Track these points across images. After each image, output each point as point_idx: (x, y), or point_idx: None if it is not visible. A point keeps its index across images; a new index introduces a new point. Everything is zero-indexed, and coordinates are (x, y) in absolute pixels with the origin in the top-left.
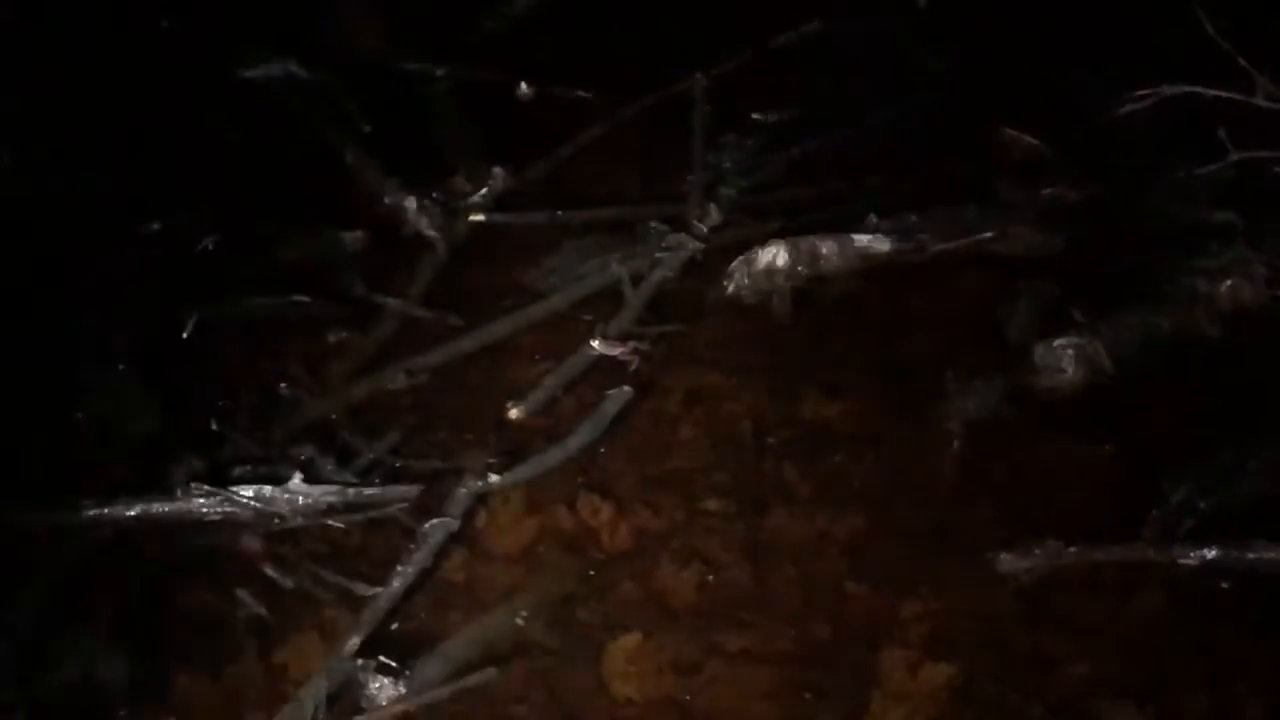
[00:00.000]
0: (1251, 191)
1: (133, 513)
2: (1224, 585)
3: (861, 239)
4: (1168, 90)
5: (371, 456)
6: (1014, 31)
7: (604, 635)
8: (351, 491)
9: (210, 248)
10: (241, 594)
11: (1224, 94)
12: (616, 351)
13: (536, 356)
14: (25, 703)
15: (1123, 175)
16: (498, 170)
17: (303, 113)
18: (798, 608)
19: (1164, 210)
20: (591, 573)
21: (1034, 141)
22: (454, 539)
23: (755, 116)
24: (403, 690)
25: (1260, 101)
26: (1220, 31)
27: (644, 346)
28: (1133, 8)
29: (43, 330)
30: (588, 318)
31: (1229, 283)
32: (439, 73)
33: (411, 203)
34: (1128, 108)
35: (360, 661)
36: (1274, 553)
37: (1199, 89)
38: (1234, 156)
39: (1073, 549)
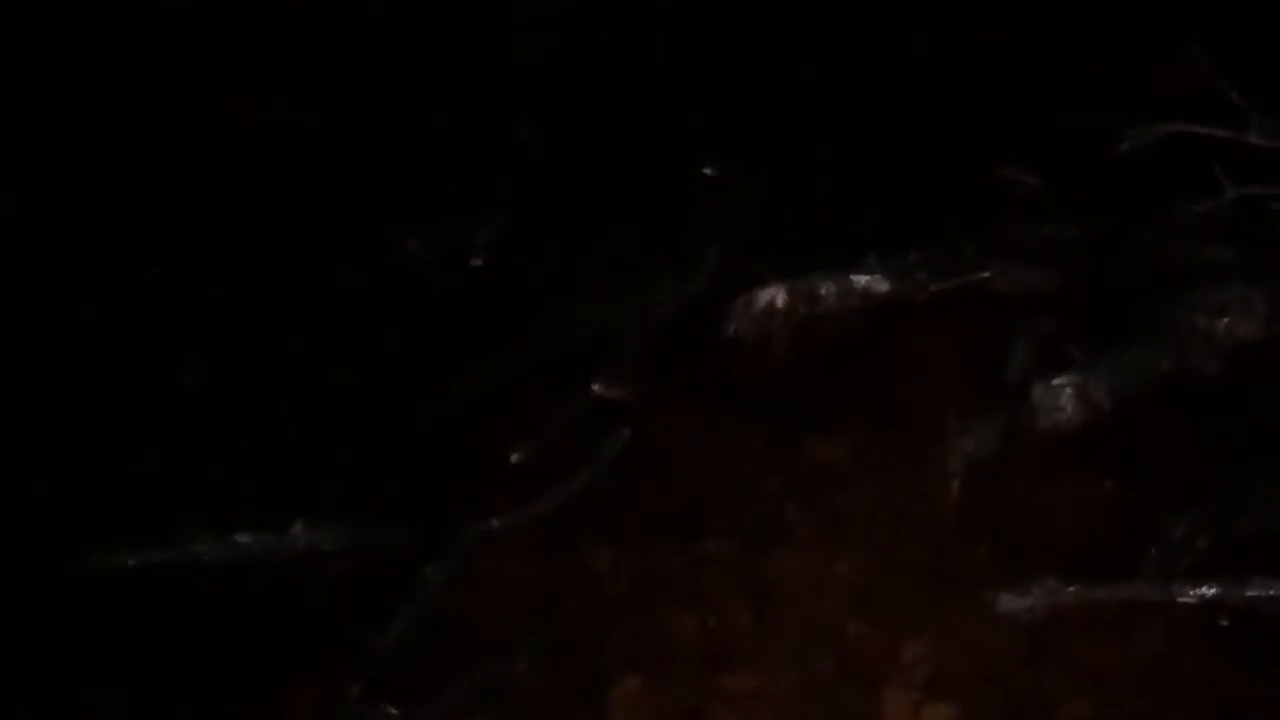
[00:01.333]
0: (1249, 228)
1: (133, 562)
2: (1224, 623)
3: (860, 279)
4: (1164, 128)
5: (374, 501)
6: (1012, 70)
7: (606, 678)
8: (354, 536)
9: (212, 292)
10: (243, 640)
11: (1220, 132)
12: (617, 393)
13: (538, 398)
14: None
15: (1120, 213)
16: (498, 212)
17: (306, 155)
18: (799, 648)
19: (1162, 248)
20: (592, 615)
21: (1032, 180)
22: (455, 582)
23: (706, 172)
24: None
25: (1256, 139)
26: (1216, 70)
27: (644, 388)
28: (1129, 46)
29: (40, 376)
30: (588, 360)
31: (1227, 319)
32: (442, 114)
33: (413, 244)
34: (1125, 146)
35: (363, 708)
36: (1274, 590)
37: (1195, 127)
38: (1231, 194)
39: (1072, 588)
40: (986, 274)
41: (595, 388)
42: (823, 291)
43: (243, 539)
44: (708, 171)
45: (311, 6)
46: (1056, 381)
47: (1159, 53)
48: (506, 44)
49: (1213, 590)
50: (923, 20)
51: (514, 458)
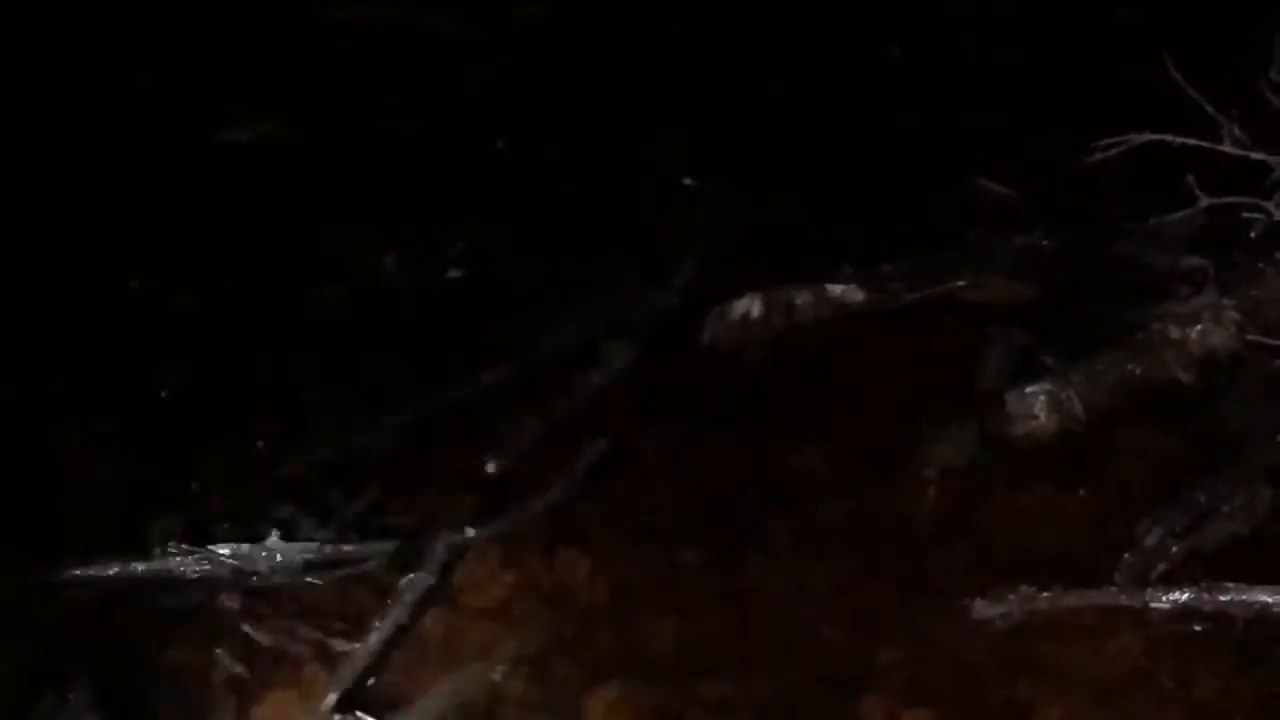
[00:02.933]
0: (1221, 237)
1: (111, 572)
2: (1197, 628)
3: (836, 289)
4: (1137, 139)
5: (349, 513)
6: (985, 82)
7: (583, 688)
8: (329, 548)
9: (188, 307)
10: (219, 652)
11: (1192, 142)
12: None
13: (513, 411)
14: None
15: (1094, 223)
16: (474, 226)
17: (281, 171)
18: (777, 656)
19: (1135, 257)
20: (570, 625)
21: (1006, 191)
22: (431, 594)
23: (686, 182)
24: None
25: (1228, 149)
26: (1187, 80)
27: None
28: (1101, 57)
29: (19, 389)
30: (565, 371)
31: (1200, 328)
32: (417, 130)
33: (390, 258)
34: (1098, 156)
35: (338, 718)
36: (1246, 595)
37: (1168, 137)
38: (1203, 203)
39: (1047, 594)
40: (961, 284)
41: (489, 468)
42: (798, 302)
43: (219, 550)
44: (686, 182)
45: (285, 25)
46: (1030, 390)
47: (1131, 63)
48: (487, 57)
49: (1186, 596)
50: (897, 33)
51: (490, 469)
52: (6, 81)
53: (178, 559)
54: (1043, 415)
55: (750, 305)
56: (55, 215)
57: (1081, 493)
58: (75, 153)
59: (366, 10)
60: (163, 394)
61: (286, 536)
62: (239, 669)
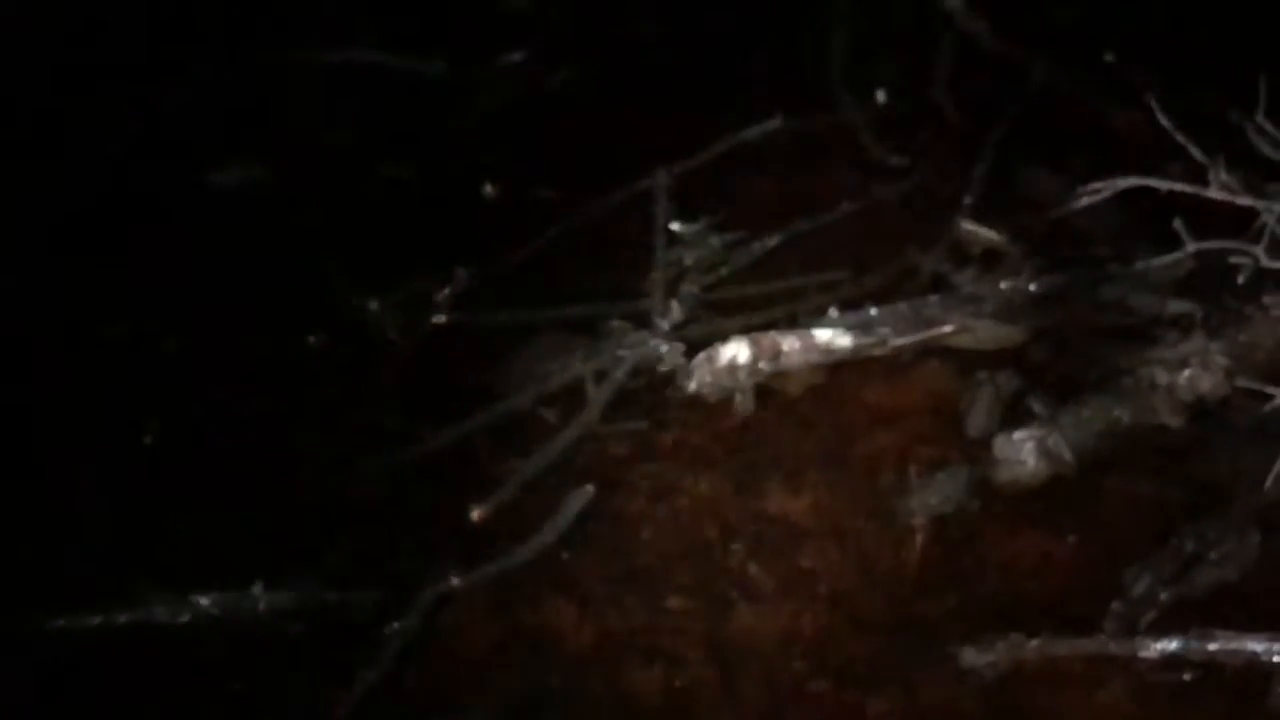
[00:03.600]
0: (1209, 282)
1: (93, 622)
2: (1186, 676)
3: (823, 334)
4: (1123, 183)
5: (334, 561)
6: (972, 126)
7: None
8: (313, 596)
9: (172, 351)
10: (202, 701)
11: (1179, 186)
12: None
13: (498, 457)
14: None
15: (1081, 267)
16: (460, 270)
17: (266, 215)
18: (764, 706)
19: (1122, 301)
20: (556, 673)
21: (993, 235)
22: (416, 643)
23: (674, 227)
24: None
25: (1215, 193)
26: (1174, 125)
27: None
28: (1088, 102)
29: None
30: (550, 417)
31: (1188, 373)
32: (402, 174)
33: (375, 304)
34: (1084, 201)
35: None
36: (1236, 643)
37: (1155, 181)
38: (1191, 247)
39: (1035, 642)
40: (948, 329)
41: (475, 515)
42: (785, 347)
43: (202, 599)
44: (674, 227)
45: (273, 68)
46: (1018, 435)
47: (1118, 108)
48: (470, 100)
49: (1175, 644)
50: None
51: (475, 515)
52: None
53: (160, 608)
54: (1031, 461)
55: (737, 350)
56: (40, 258)
57: (1070, 539)
58: (60, 195)
59: (355, 55)
60: (146, 439)
61: (271, 585)
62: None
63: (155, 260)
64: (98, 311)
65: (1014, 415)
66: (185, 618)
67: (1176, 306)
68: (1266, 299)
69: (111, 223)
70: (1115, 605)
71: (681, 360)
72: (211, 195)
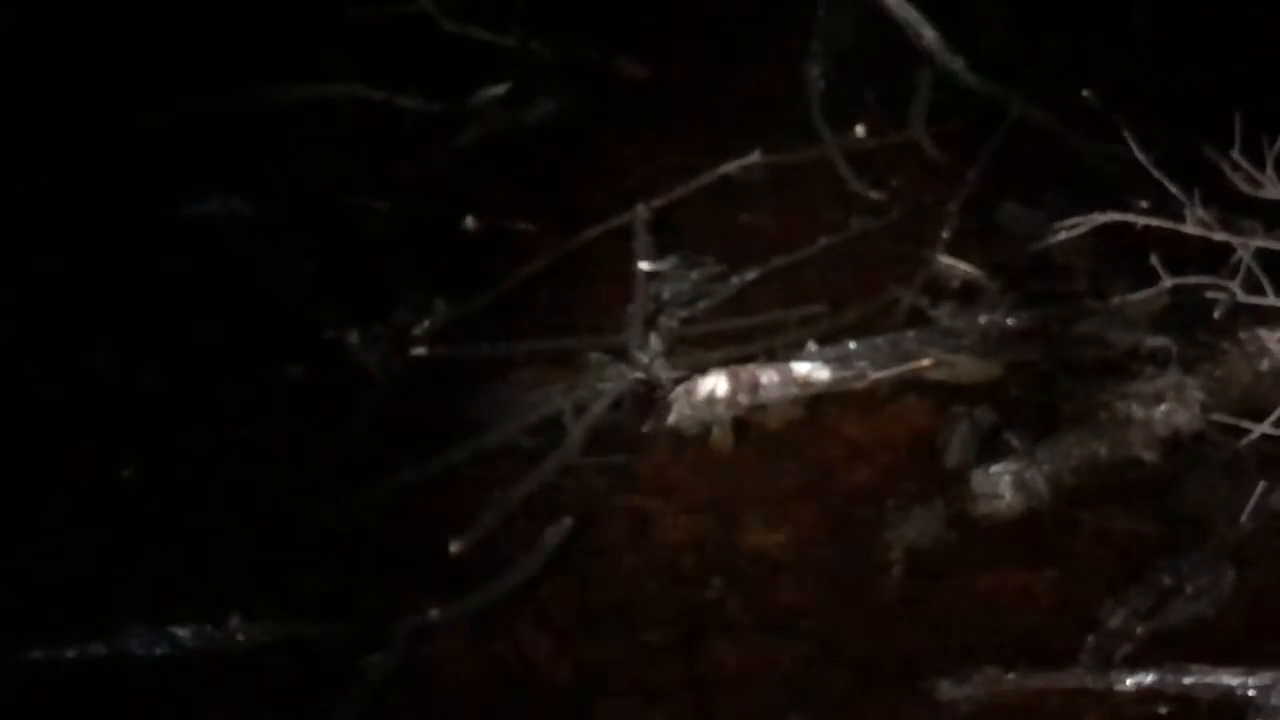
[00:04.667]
0: (1185, 317)
1: (70, 655)
2: (1161, 710)
3: (801, 367)
4: (1100, 218)
5: (311, 593)
6: (949, 161)
7: None
8: (291, 629)
9: (150, 384)
10: None
11: (1155, 221)
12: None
13: (477, 489)
14: None
15: (1057, 302)
16: (439, 303)
17: (244, 248)
18: None
19: (1099, 336)
20: (534, 706)
21: (971, 269)
22: (394, 676)
23: (642, 266)
24: None
25: (1191, 229)
26: (1151, 160)
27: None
28: (1065, 137)
29: None
30: (529, 450)
31: (1164, 407)
32: (382, 207)
33: (354, 336)
34: (1061, 235)
35: None
36: (1210, 677)
37: (1131, 217)
38: (1167, 283)
39: (1012, 675)
40: (925, 363)
41: (453, 547)
42: (764, 380)
43: (179, 631)
44: (644, 267)
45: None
46: (995, 469)
47: (1095, 143)
48: (450, 135)
49: (1150, 678)
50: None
51: (454, 548)
52: None
53: (137, 640)
54: (1008, 495)
55: (716, 383)
56: (18, 290)
57: (1047, 573)
58: (39, 227)
59: (337, 89)
60: (124, 473)
61: (248, 617)
62: None
63: (132, 293)
64: (75, 344)
65: (991, 449)
66: (162, 649)
67: (1153, 341)
68: (1242, 334)
69: (89, 255)
70: (1091, 639)
71: (660, 393)
72: (189, 227)
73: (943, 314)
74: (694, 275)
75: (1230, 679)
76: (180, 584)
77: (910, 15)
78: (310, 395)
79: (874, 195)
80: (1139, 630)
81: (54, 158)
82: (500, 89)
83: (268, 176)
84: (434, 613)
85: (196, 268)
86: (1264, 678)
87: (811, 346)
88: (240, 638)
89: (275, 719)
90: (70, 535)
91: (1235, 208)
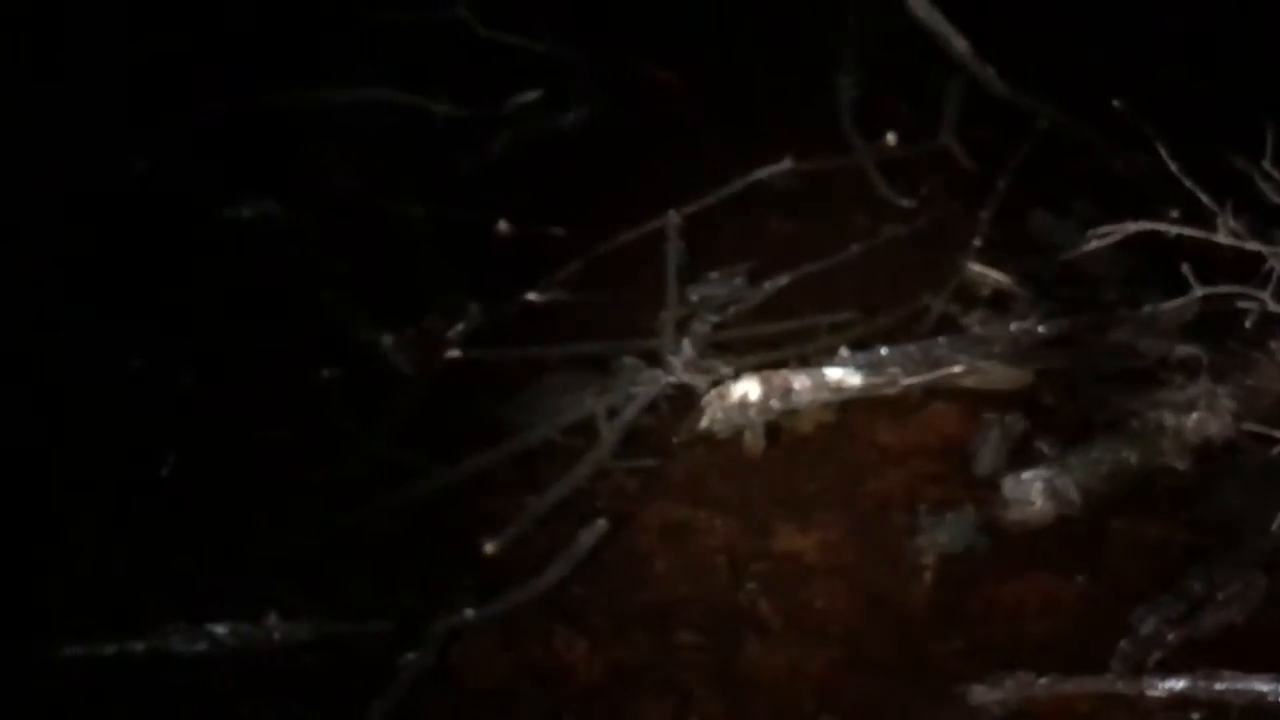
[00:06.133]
0: (1216, 326)
1: (109, 651)
2: (1194, 715)
3: (833, 373)
4: (1132, 227)
5: (347, 592)
6: (981, 170)
7: None
8: (327, 628)
9: (187, 385)
10: None
11: (1187, 231)
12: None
13: (511, 491)
14: None
15: (1089, 310)
16: (473, 306)
17: (280, 251)
18: None
19: (1130, 345)
20: (567, 706)
21: (1002, 278)
22: (429, 675)
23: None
24: None
25: (1222, 238)
26: (1182, 170)
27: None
28: (1096, 147)
29: (15, 466)
30: (563, 452)
31: (1195, 416)
32: (416, 211)
33: (388, 339)
34: (1093, 245)
35: None
36: (1242, 683)
37: (1163, 226)
38: (1198, 292)
39: (1043, 680)
40: (957, 370)
41: (487, 548)
42: (796, 385)
43: (218, 629)
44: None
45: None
46: (1026, 476)
47: (1126, 152)
48: (484, 141)
49: (1182, 684)
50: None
51: (487, 550)
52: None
53: (175, 637)
54: (1039, 502)
55: (748, 388)
56: (58, 294)
57: (1078, 579)
58: (75, 230)
59: (372, 94)
60: (162, 471)
61: (285, 616)
62: None
63: (170, 295)
64: (114, 345)
65: (1022, 456)
66: (201, 647)
67: (1184, 350)
68: (1273, 344)
69: (126, 258)
70: (1123, 645)
71: (693, 398)
72: (225, 231)
73: (974, 321)
74: (726, 281)
75: (1261, 685)
76: (218, 582)
77: (941, 24)
78: (345, 397)
79: (905, 203)
80: (1170, 637)
81: (92, 163)
82: (534, 95)
83: (303, 181)
84: (468, 613)
85: (232, 271)
86: None
87: (843, 352)
88: (277, 636)
89: (311, 716)
90: (109, 533)
91: (1266, 217)
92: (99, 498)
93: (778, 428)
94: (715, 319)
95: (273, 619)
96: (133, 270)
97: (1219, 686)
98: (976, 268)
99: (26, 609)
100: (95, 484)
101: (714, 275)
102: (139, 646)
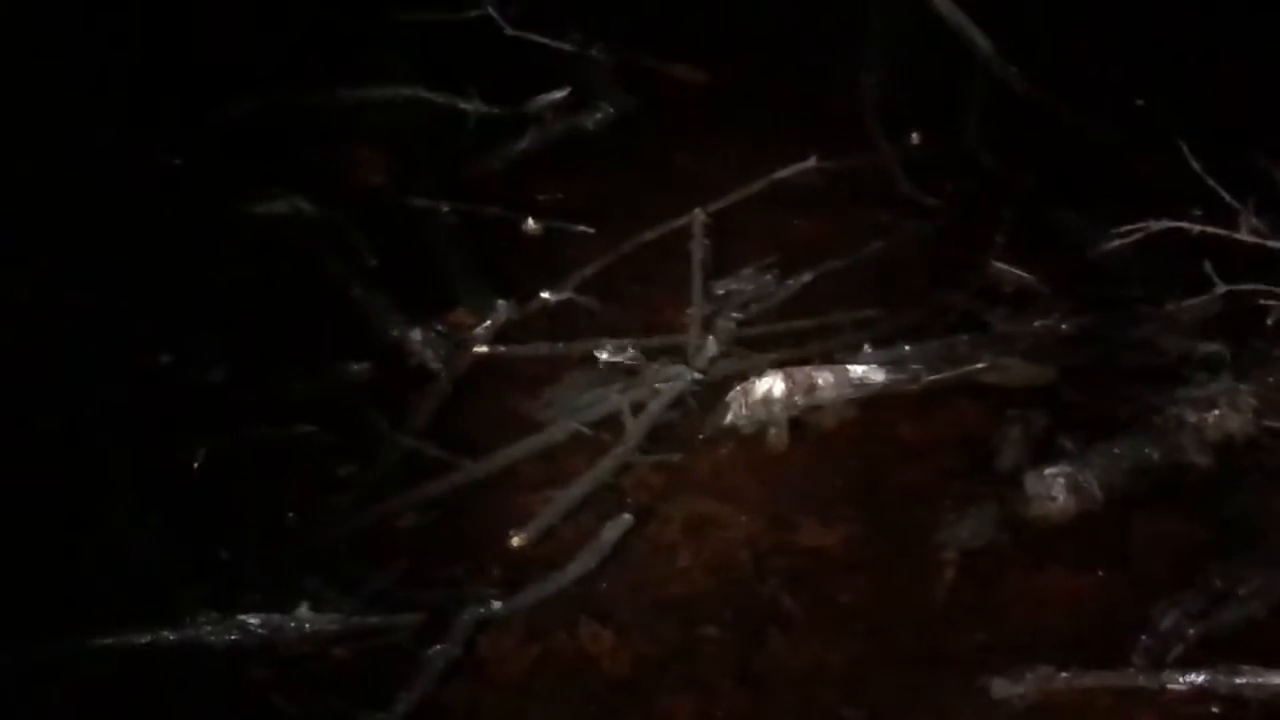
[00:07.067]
0: (1238, 324)
1: (142, 641)
2: (1214, 710)
3: (857, 369)
4: (1155, 225)
5: (376, 585)
6: (1004, 168)
7: None
8: (356, 619)
9: (218, 380)
10: None
11: (1209, 229)
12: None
13: (537, 486)
14: None
15: (1111, 308)
16: (501, 303)
17: (309, 247)
18: None
19: (1152, 342)
20: (593, 699)
21: (1024, 275)
22: (456, 666)
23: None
24: None
25: (1244, 236)
26: (1205, 169)
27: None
28: (1118, 145)
29: (48, 459)
30: (590, 446)
31: (1217, 413)
32: (444, 208)
33: (416, 335)
34: (1116, 242)
35: None
36: (1263, 677)
37: (1185, 224)
38: (1220, 289)
39: (1065, 674)
40: (980, 366)
41: (514, 541)
42: (820, 381)
43: (249, 620)
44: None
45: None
46: (1049, 472)
47: (1149, 151)
48: (510, 139)
49: (1203, 678)
50: (912, 114)
51: (514, 543)
52: (41, 154)
53: (207, 628)
54: (1061, 497)
55: (772, 384)
56: (88, 289)
57: (1099, 574)
58: (104, 226)
59: (400, 92)
60: (195, 465)
61: (315, 607)
62: None
63: (199, 291)
64: (147, 340)
65: (1044, 452)
66: (232, 637)
67: (1206, 347)
68: None
69: (156, 254)
70: (1144, 639)
71: (717, 394)
72: (255, 226)
73: (996, 318)
74: (751, 278)
75: None
76: (249, 574)
77: (964, 23)
78: (374, 392)
79: (928, 201)
80: (1191, 631)
81: (124, 159)
82: (560, 93)
83: (333, 177)
84: (495, 605)
85: (262, 266)
86: None
87: (866, 349)
88: (307, 627)
89: (340, 706)
90: (142, 526)
91: None
92: (132, 491)
93: (801, 424)
94: (740, 316)
95: (303, 610)
96: (165, 266)
97: (1239, 681)
98: (999, 265)
99: (60, 600)
100: (128, 477)
101: (740, 272)
102: (171, 637)
